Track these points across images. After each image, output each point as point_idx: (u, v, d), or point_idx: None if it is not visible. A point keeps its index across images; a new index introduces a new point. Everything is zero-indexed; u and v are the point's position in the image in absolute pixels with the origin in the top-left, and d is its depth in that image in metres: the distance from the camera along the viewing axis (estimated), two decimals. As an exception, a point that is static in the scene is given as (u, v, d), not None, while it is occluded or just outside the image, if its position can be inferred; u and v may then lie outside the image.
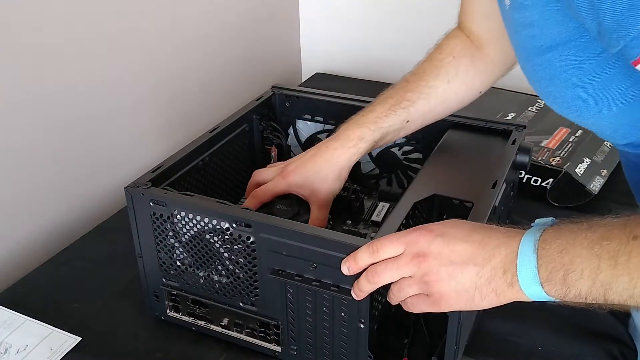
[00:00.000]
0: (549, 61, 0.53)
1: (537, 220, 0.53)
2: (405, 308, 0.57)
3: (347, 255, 0.57)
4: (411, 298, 0.55)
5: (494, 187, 0.67)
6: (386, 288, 0.67)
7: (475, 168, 0.74)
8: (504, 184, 0.70)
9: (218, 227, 0.63)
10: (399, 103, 0.75)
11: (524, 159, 0.77)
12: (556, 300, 0.49)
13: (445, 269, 0.52)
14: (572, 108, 0.55)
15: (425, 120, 0.78)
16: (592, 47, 0.49)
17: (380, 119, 0.74)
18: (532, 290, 0.49)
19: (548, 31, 0.51)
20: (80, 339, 0.72)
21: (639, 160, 0.62)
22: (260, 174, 0.76)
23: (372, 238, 0.58)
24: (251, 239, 0.62)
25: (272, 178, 0.73)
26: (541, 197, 0.96)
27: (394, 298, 0.57)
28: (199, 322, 0.71)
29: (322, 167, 0.73)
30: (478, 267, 0.51)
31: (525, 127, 0.81)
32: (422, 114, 0.76)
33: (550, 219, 0.52)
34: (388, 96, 0.76)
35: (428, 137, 0.84)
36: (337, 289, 0.60)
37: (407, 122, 0.75)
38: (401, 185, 0.91)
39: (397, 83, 0.78)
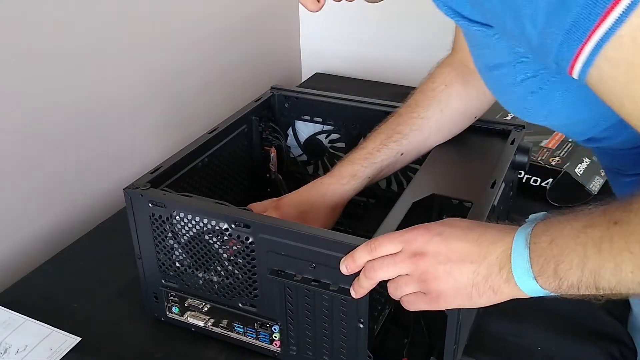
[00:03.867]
0: (496, 77, 0.56)
1: (531, 216, 0.53)
2: (404, 306, 0.57)
3: (346, 254, 0.58)
4: (408, 296, 0.56)
5: (492, 186, 0.67)
6: (385, 288, 0.67)
7: (474, 168, 0.74)
8: (503, 184, 0.70)
9: (217, 227, 0.63)
10: (391, 137, 0.76)
11: (522, 158, 0.77)
12: (552, 294, 0.49)
13: (443, 267, 0.52)
14: (523, 113, 0.57)
15: (421, 151, 0.79)
16: (531, 67, 0.52)
17: (372, 155, 0.76)
18: (527, 285, 0.49)
19: (492, 53, 0.54)
20: (80, 339, 0.72)
21: (602, 153, 0.64)
22: (254, 207, 0.77)
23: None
24: (250, 240, 0.62)
25: (266, 210, 0.74)
26: (541, 197, 0.96)
27: (392, 296, 0.57)
28: (199, 323, 0.71)
29: (317, 201, 0.74)
30: (475, 265, 0.51)
31: (524, 127, 0.82)
32: (416, 145, 0.77)
33: (542, 213, 0.53)
34: (380, 132, 0.78)
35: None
36: (336, 288, 0.60)
37: (402, 154, 0.77)
38: (400, 185, 0.91)
39: (389, 117, 0.79)
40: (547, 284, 0.48)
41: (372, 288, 0.57)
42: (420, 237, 0.54)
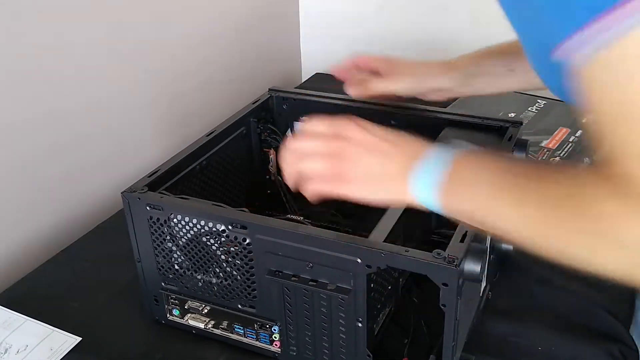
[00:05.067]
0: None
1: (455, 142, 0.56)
2: (304, 189, 0.57)
3: (342, 253, 0.58)
4: (313, 173, 0.56)
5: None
6: (385, 287, 0.67)
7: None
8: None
9: (214, 229, 0.63)
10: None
11: (521, 154, 0.77)
12: (442, 212, 0.50)
13: (355, 150, 0.54)
14: None
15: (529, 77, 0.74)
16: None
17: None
18: (426, 196, 0.51)
19: None
20: (80, 339, 0.72)
21: None
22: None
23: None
24: (247, 241, 0.62)
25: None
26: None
27: (288, 166, 0.58)
28: (199, 325, 0.71)
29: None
30: (383, 156, 0.53)
31: (521, 123, 0.81)
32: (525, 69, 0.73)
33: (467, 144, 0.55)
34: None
35: (425, 135, 0.84)
36: (333, 288, 0.60)
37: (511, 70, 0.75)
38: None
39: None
40: (447, 205, 0.50)
41: (294, 160, 0.57)
42: (348, 125, 0.56)
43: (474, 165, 0.50)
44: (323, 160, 0.55)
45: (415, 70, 0.77)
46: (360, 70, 0.81)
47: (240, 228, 0.62)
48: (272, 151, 0.93)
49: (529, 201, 0.44)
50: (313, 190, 0.56)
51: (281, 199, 0.92)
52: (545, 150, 1.00)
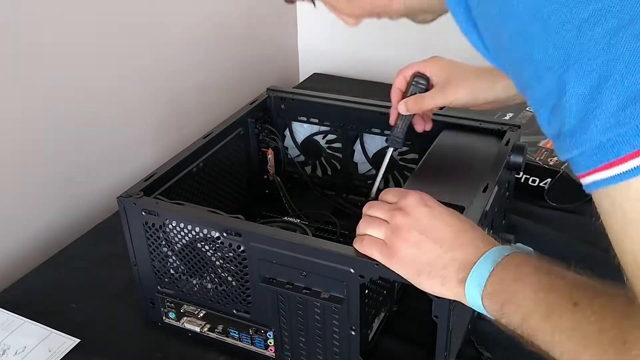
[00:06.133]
0: None
1: (518, 244, 0.54)
2: (357, 245, 0.58)
3: (336, 263, 0.58)
4: (370, 238, 0.57)
5: (484, 190, 0.67)
6: (380, 293, 0.68)
7: (468, 170, 0.74)
8: (496, 187, 0.70)
9: (209, 236, 0.64)
10: None
11: (518, 159, 0.77)
12: (491, 317, 0.50)
13: (416, 235, 0.54)
14: None
15: None
16: None
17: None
18: (473, 298, 0.51)
19: None
20: (79, 340, 0.72)
21: None
22: None
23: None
24: (241, 248, 0.62)
25: None
26: (539, 197, 0.96)
27: (358, 230, 0.59)
28: (195, 329, 0.71)
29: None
30: (441, 251, 0.53)
31: (519, 127, 0.81)
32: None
33: (529, 249, 0.54)
34: None
35: (423, 138, 0.84)
36: (326, 297, 0.60)
37: None
38: (399, 185, 0.91)
39: None
40: (490, 309, 0.50)
41: (362, 224, 0.59)
42: (413, 199, 0.56)
43: (519, 277, 0.48)
44: (383, 230, 0.56)
45: (468, 81, 0.74)
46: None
47: (234, 235, 0.62)
48: (270, 151, 0.93)
49: (563, 326, 0.44)
50: (362, 249, 0.57)
51: (279, 199, 0.92)
52: (544, 150, 0.99)
